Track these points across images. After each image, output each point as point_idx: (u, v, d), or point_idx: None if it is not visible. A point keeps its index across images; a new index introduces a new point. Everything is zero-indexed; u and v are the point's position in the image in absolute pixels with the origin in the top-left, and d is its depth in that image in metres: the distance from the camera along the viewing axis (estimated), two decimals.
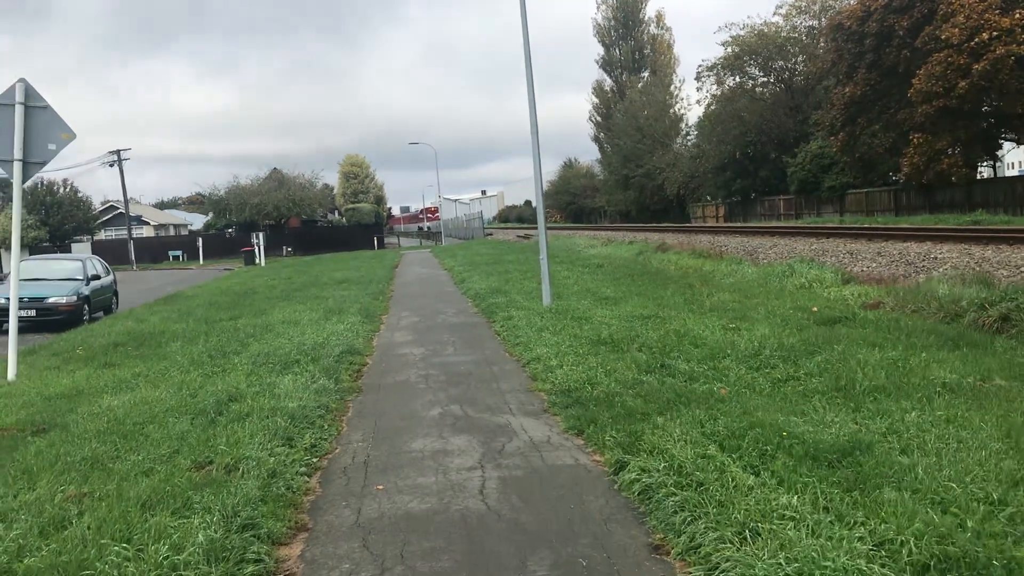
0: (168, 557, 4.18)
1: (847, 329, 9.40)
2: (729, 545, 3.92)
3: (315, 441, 6.80)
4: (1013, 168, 79.40)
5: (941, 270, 13.80)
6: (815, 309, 11.38)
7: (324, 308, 16.73)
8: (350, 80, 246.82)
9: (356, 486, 5.79)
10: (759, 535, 3.91)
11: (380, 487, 5.71)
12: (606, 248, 29.60)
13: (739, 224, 43.66)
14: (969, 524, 3.72)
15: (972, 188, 35.15)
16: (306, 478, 5.93)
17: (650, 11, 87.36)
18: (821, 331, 9.31)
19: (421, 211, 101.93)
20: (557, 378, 8.39)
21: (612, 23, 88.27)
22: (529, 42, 15.08)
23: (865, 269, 15.51)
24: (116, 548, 4.27)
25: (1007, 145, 39.19)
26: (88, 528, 4.60)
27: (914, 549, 3.52)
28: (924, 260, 14.99)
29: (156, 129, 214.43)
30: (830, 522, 3.92)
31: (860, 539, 3.67)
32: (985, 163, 40.68)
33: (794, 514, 4.04)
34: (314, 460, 6.37)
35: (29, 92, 10.49)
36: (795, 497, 4.26)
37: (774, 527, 3.94)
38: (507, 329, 12.48)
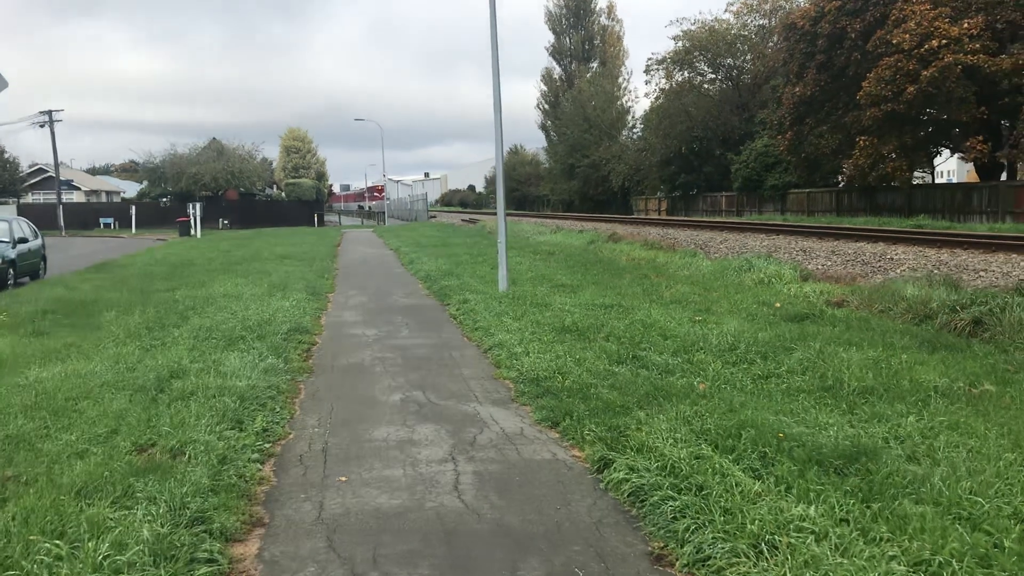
0: (108, 556, 3.65)
1: (816, 327, 9.19)
2: (744, 559, 3.57)
3: (267, 425, 6.29)
4: (942, 176, 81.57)
5: (899, 271, 13.78)
6: (778, 305, 11.19)
7: (267, 283, 16.04)
8: (294, 53, 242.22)
9: (315, 476, 5.30)
10: (777, 549, 3.57)
11: (343, 479, 5.23)
12: (555, 236, 29.27)
13: (684, 218, 43.83)
14: (1006, 544, 3.42)
15: (913, 193, 35.77)
16: (259, 465, 5.43)
17: (602, 2, 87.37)
18: (791, 327, 9.08)
19: (366, 190, 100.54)
20: (523, 366, 7.98)
21: (564, 11, 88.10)
22: (496, 25, 14.58)
23: (821, 267, 15.45)
24: (46, 545, 3.72)
25: (945, 153, 40.03)
26: (13, 519, 4.04)
27: (958, 572, 3.21)
28: (880, 260, 14.98)
29: (91, 92, 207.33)
30: (854, 537, 3.59)
31: (894, 558, 3.34)
32: (923, 170, 41.50)
33: (812, 526, 3.71)
34: (267, 446, 5.86)
35: None
36: (811, 507, 3.92)
37: (793, 541, 3.59)
38: (463, 313, 12.03)
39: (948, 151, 39.02)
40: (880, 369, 6.87)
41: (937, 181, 55.06)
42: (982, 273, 12.45)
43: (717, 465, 4.59)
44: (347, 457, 5.66)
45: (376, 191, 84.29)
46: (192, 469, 4.91)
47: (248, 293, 14.19)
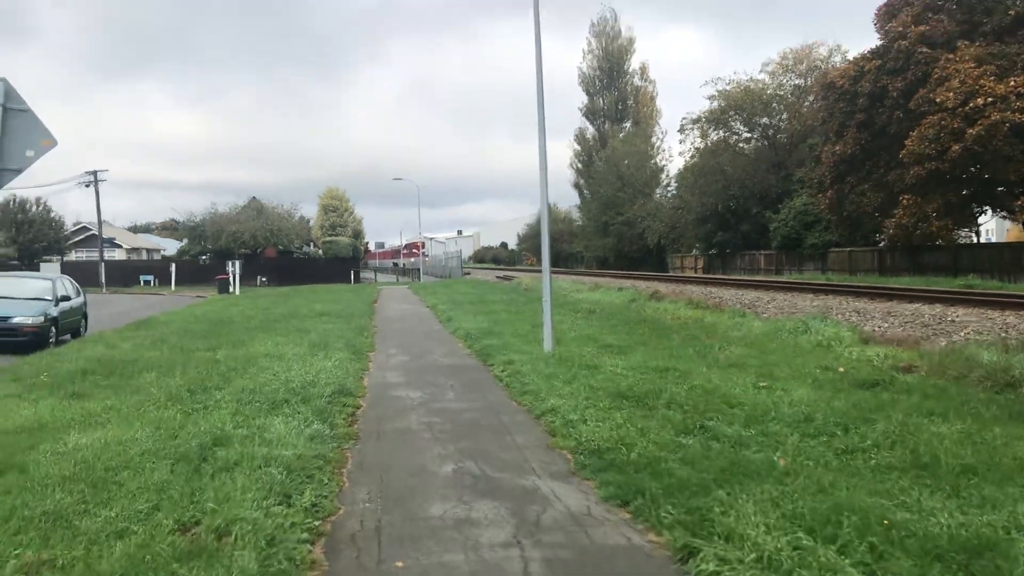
0: None
1: (891, 395, 8.66)
2: None
3: (316, 499, 5.88)
4: (983, 236, 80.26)
5: (963, 334, 13.19)
6: (842, 369, 10.65)
7: (308, 342, 15.77)
8: (332, 114, 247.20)
9: (370, 560, 4.88)
10: None
11: (399, 564, 4.81)
12: (594, 294, 28.86)
13: (724, 276, 43.23)
14: None
15: (959, 252, 35.09)
16: (309, 547, 5.02)
17: (634, 63, 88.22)
18: (864, 395, 8.56)
19: (403, 247, 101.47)
20: (581, 435, 7.54)
21: (597, 73, 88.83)
22: (543, 85, 14.46)
23: (878, 329, 14.87)
24: None
25: (989, 212, 39.28)
26: None
27: None
28: (940, 322, 14.39)
29: (133, 153, 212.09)
30: None
31: None
32: (967, 229, 40.71)
33: None
34: (316, 523, 5.44)
35: (9, 93, 9.58)
36: None
37: None
38: (509, 375, 11.62)
39: (994, 210, 38.32)
40: (975, 444, 6.35)
41: (982, 240, 54.14)
42: None
43: (823, 559, 4.11)
44: (402, 538, 5.24)
45: (414, 247, 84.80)
46: (240, 553, 4.52)
47: (290, 352, 13.91)
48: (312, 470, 6.54)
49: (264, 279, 60.33)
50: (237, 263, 47.75)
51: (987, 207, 36.93)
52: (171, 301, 39.07)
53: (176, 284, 56.63)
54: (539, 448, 7.59)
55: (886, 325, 15.14)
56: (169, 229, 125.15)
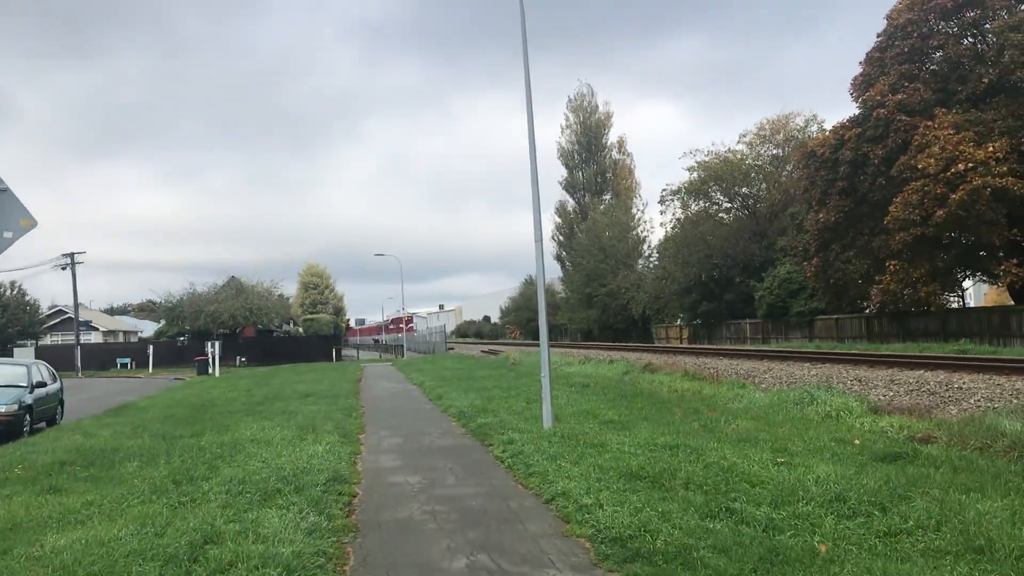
0: None
1: (917, 468, 8.25)
2: None
3: None
4: (969, 299, 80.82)
5: (973, 400, 12.87)
6: (857, 442, 10.26)
7: (295, 425, 15.19)
8: (310, 191, 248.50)
9: None
10: None
11: None
12: (585, 367, 28.44)
13: (714, 346, 42.98)
14: None
15: (947, 317, 35.07)
16: None
17: (612, 137, 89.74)
18: (890, 470, 8.15)
19: (390, 322, 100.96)
20: (599, 521, 7.05)
21: (576, 147, 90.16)
22: (536, 162, 14.27)
23: (883, 397, 14.54)
24: None
25: (975, 276, 39.48)
26: None
27: None
28: (947, 390, 14.08)
29: (109, 234, 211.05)
30: None
31: None
32: (953, 293, 40.85)
33: None
34: None
35: None
36: None
37: None
38: (511, 455, 11.11)
39: (974, 274, 38.51)
40: None
41: (968, 304, 54.43)
42: None
43: None
44: None
45: (400, 322, 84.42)
46: None
47: (277, 437, 13.32)
48: (313, 569, 6.04)
49: (244, 359, 59.48)
50: (216, 343, 47.02)
51: (970, 271, 37.10)
52: (149, 384, 38.22)
53: (154, 366, 55.69)
54: (554, 537, 7.08)
55: (891, 393, 14.80)
56: (146, 310, 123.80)
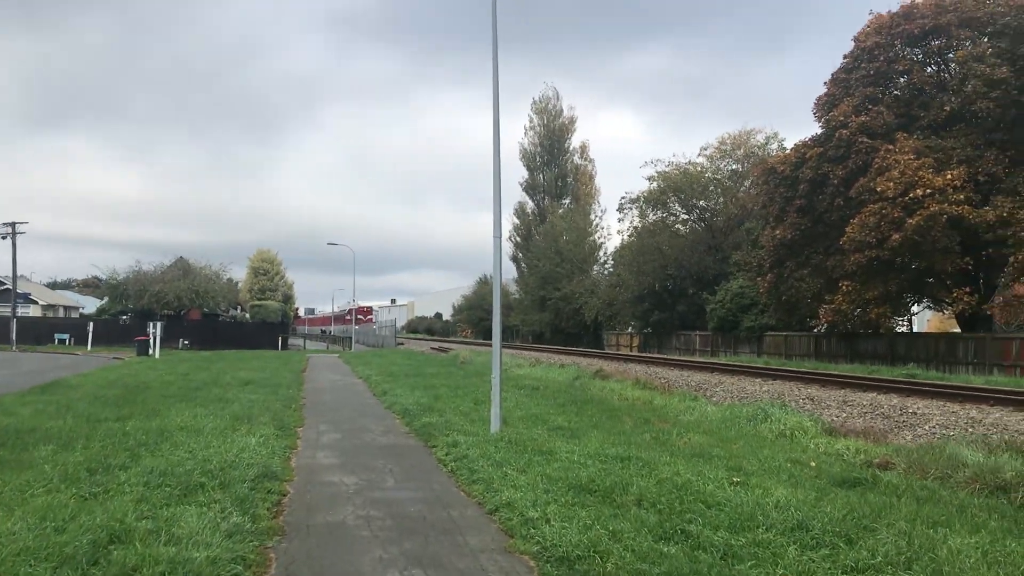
0: None
1: (877, 496, 7.91)
2: None
3: None
4: (914, 325, 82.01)
5: (928, 427, 12.67)
6: (814, 464, 9.93)
7: (230, 414, 14.48)
8: (265, 177, 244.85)
9: None
10: None
11: None
12: (536, 370, 28.00)
13: (664, 356, 42.84)
14: None
15: (895, 340, 35.33)
16: None
17: (575, 142, 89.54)
18: (850, 497, 7.79)
19: (348, 312, 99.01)
20: (545, 537, 6.56)
21: (538, 149, 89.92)
22: (499, 162, 13.73)
23: (836, 418, 14.31)
24: None
25: (923, 301, 39.87)
26: None
27: None
28: (901, 414, 13.88)
29: (57, 207, 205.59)
30: None
31: None
32: (903, 317, 41.27)
33: None
34: None
35: None
36: None
37: None
38: (455, 459, 10.58)
39: (921, 300, 38.92)
40: (999, 563, 5.57)
41: (902, 330, 55.21)
42: None
43: None
44: None
45: (349, 314, 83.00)
46: None
47: (209, 426, 12.62)
48: None
49: (187, 342, 58.00)
50: (159, 324, 45.62)
51: (921, 297, 37.45)
52: (86, 362, 36.88)
53: (93, 344, 54.01)
54: (496, 552, 6.57)
55: (844, 415, 14.58)
56: (91, 287, 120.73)
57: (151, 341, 44.46)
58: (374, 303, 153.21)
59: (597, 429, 12.93)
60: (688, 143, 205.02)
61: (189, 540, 6.02)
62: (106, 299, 72.44)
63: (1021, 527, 6.72)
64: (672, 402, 16.95)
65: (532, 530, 6.88)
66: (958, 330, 48.17)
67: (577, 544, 6.27)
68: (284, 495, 8.67)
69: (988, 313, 31.44)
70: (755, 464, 9.75)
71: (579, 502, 7.65)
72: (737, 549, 6.05)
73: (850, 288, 32.47)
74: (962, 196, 28.81)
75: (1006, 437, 11.68)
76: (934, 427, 12.66)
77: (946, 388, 16.46)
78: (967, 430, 12.16)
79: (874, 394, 16.47)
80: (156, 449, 10.21)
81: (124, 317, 64.06)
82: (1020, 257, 27.63)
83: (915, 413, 13.75)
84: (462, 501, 8.50)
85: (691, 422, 14.04)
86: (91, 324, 56.68)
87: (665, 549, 6.12)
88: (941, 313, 57.82)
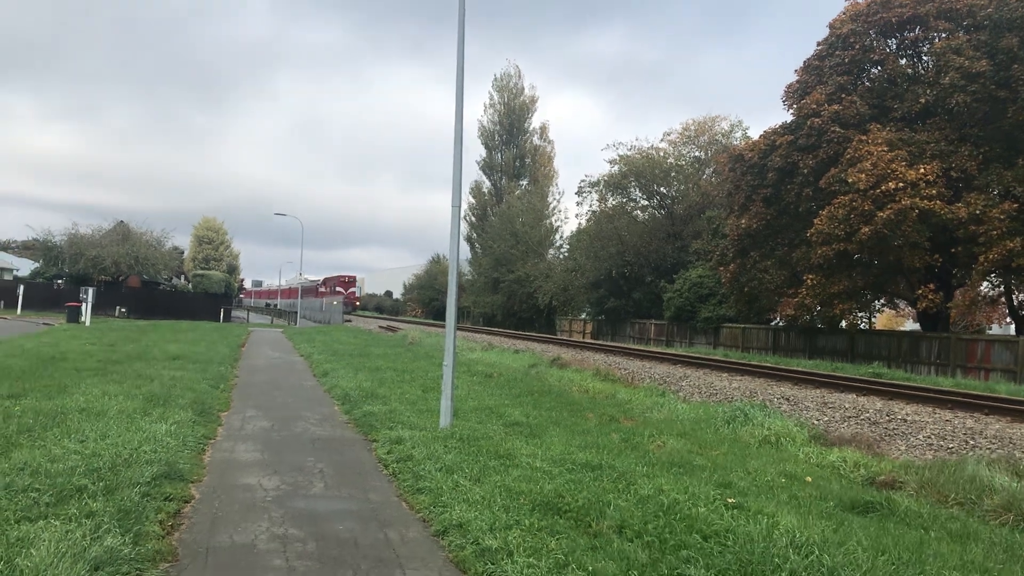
0: None
1: (899, 527, 6.64)
2: None
3: None
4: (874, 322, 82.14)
5: (922, 436, 11.53)
6: (809, 480, 8.66)
7: (146, 394, 12.80)
8: (213, 143, 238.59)
9: None
10: None
11: None
12: (488, 354, 26.52)
13: (614, 343, 41.71)
14: None
15: (855, 337, 34.55)
16: None
17: (535, 122, 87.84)
18: (868, 528, 6.50)
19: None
20: None
21: (497, 128, 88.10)
22: (462, 131, 12.17)
23: (819, 422, 13.12)
24: None
25: (885, 298, 39.25)
26: None
27: None
28: (890, 420, 12.73)
29: None
30: None
31: None
32: (866, 313, 40.62)
33: None
34: None
35: None
36: None
37: None
38: (397, 460, 9.11)
39: (888, 297, 38.29)
40: None
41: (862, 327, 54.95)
42: None
43: None
44: None
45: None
46: None
47: (115, 408, 10.95)
48: None
49: (124, 310, 55.46)
50: (91, 290, 43.18)
51: (885, 293, 36.78)
52: (8, 327, 34.50)
53: (23, 308, 51.33)
54: None
55: (826, 418, 13.39)
56: (30, 249, 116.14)
57: (83, 307, 42.08)
58: (321, 278, 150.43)
59: (558, 426, 11.54)
60: (644, 128, 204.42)
61: None
62: (40, 262, 69.18)
63: None
64: (638, 397, 15.64)
65: (490, 566, 5.47)
66: (906, 329, 47.99)
67: None
68: (187, 502, 7.13)
69: (948, 312, 30.74)
70: (745, 479, 8.42)
71: (547, 526, 6.23)
72: None
73: (815, 282, 31.49)
74: (934, 191, 27.93)
75: (980, 445, 10.69)
76: (929, 437, 11.53)
77: (930, 392, 15.41)
78: (967, 442, 11.04)
79: (854, 396, 15.37)
80: (39, 438, 8.55)
81: (59, 281, 61.12)
82: (991, 256, 26.86)
83: (904, 420, 12.61)
84: (404, 517, 7.03)
85: (661, 421, 12.71)
86: (21, 287, 53.87)
87: None
88: (896, 313, 57.78)
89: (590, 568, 5.25)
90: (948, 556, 5.71)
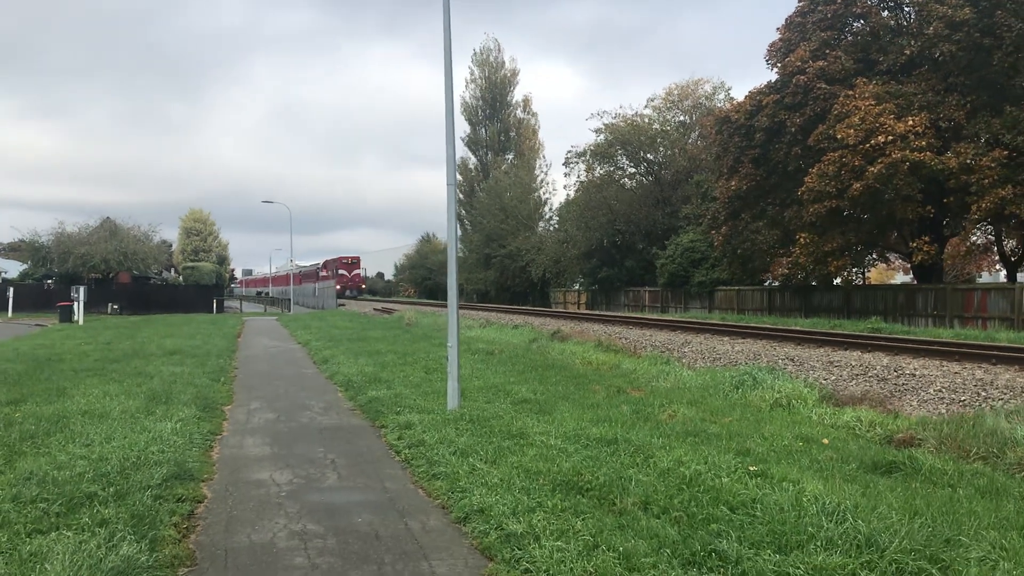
0: None
1: (926, 487, 6.56)
2: None
3: None
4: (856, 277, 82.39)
5: (932, 390, 11.46)
6: (826, 441, 8.57)
7: (147, 392, 12.65)
8: (195, 135, 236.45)
9: None
10: None
11: None
12: (487, 331, 26.39)
13: (610, 313, 41.65)
14: None
15: (851, 293, 34.52)
16: None
17: (517, 96, 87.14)
18: (894, 488, 6.41)
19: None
20: (538, 564, 5.03)
21: (480, 103, 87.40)
22: (453, 103, 11.97)
23: (827, 381, 13.04)
24: None
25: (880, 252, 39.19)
26: None
27: None
28: (899, 376, 12.65)
29: None
30: None
31: None
32: (861, 269, 40.61)
33: None
34: None
35: None
36: None
37: None
38: (409, 445, 8.98)
39: (881, 251, 38.25)
40: None
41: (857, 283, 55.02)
42: None
43: None
44: None
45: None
46: None
47: (117, 409, 10.80)
48: None
49: (116, 307, 55.11)
50: (82, 289, 42.86)
51: (879, 248, 36.74)
52: (1, 330, 34.20)
53: (15, 310, 50.93)
54: None
55: (833, 377, 13.32)
56: (17, 250, 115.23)
57: (75, 307, 41.77)
58: (310, 263, 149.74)
59: (567, 401, 11.44)
60: (624, 95, 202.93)
61: None
62: (29, 263, 68.62)
63: None
64: (642, 366, 15.53)
65: (517, 551, 5.34)
66: (897, 282, 48.08)
67: (581, 575, 4.74)
68: (200, 502, 6.99)
69: (942, 263, 30.72)
70: (762, 445, 8.33)
71: (571, 507, 6.12)
72: None
73: (808, 240, 31.36)
74: (924, 143, 27.75)
75: (998, 396, 10.63)
76: (940, 390, 11.47)
77: (935, 345, 15.34)
78: (979, 394, 10.98)
79: (859, 352, 15.30)
80: (43, 444, 8.40)
81: (49, 281, 60.70)
82: (984, 204, 26.77)
83: (913, 374, 12.55)
84: (422, 505, 6.91)
85: (669, 389, 12.62)
86: (11, 289, 53.42)
87: None
88: (889, 267, 57.89)
89: (620, 549, 5.14)
90: (982, 515, 5.61)
